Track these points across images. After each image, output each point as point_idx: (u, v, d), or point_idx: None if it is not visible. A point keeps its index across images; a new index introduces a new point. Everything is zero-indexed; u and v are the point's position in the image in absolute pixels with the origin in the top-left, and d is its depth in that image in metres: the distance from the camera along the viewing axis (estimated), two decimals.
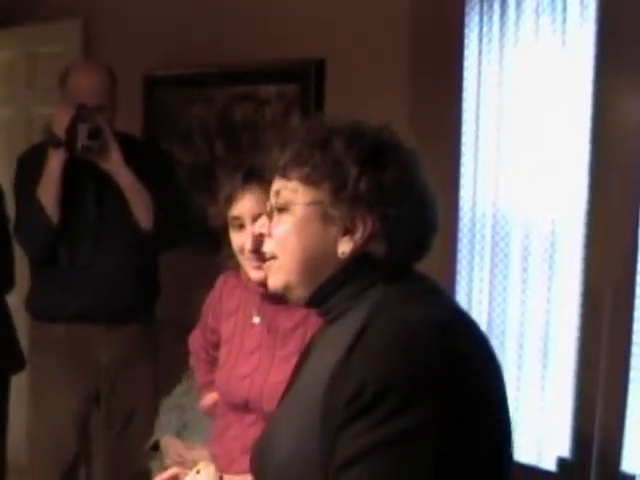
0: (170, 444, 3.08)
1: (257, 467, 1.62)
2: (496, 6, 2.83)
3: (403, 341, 1.37)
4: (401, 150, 1.54)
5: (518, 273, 2.85)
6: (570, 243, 2.75)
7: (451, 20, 2.93)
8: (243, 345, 2.33)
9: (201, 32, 3.82)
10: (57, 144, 3.12)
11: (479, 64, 2.91)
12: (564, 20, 2.70)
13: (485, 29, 2.88)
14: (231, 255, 2.32)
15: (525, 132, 2.82)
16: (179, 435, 3.11)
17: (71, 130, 3.09)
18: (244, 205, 2.23)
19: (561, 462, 2.78)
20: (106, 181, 3.23)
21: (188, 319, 3.81)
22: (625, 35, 2.59)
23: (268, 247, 1.60)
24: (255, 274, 2.24)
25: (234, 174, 2.28)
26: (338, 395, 1.38)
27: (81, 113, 3.11)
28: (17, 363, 3.58)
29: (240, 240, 2.26)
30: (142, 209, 3.22)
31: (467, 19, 2.90)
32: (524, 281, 2.84)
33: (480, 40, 2.90)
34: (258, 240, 2.17)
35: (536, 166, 2.79)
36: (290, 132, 1.59)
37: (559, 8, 2.70)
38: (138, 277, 3.40)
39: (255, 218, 2.19)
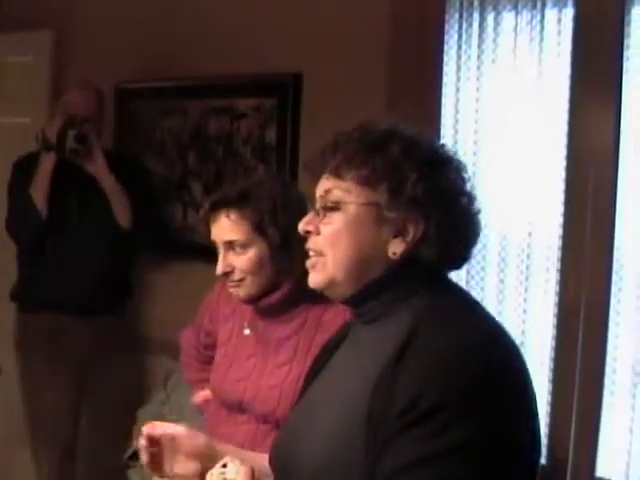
0: None
1: (282, 466, 1.62)
2: (475, 25, 2.92)
3: (459, 354, 1.41)
4: (454, 159, 1.59)
5: (494, 284, 2.92)
6: (546, 255, 2.83)
7: (429, 37, 3.00)
8: (238, 351, 2.41)
9: (175, 45, 3.85)
10: (49, 148, 3.55)
11: (457, 80, 2.99)
12: (541, 39, 2.79)
13: (464, 47, 2.96)
14: None
15: (502, 147, 2.90)
16: None
17: (61, 135, 3.52)
18: (215, 232, 2.33)
19: None
20: (90, 185, 3.62)
21: (169, 334, 3.89)
22: (599, 55, 2.68)
23: (315, 244, 1.59)
24: (234, 294, 2.35)
25: (206, 201, 2.37)
26: (390, 403, 1.40)
27: (70, 121, 3.55)
28: None
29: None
30: (122, 209, 3.62)
31: (446, 36, 2.97)
32: (500, 292, 2.92)
33: (459, 57, 2.97)
34: (226, 265, 2.30)
35: (513, 179, 2.87)
36: (342, 134, 1.60)
37: (537, 27, 2.79)
38: (113, 273, 3.79)
39: (225, 245, 2.30)
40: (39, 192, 3.55)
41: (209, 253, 3.61)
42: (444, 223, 1.52)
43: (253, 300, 2.33)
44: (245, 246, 2.28)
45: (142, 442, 1.67)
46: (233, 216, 2.27)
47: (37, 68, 4.21)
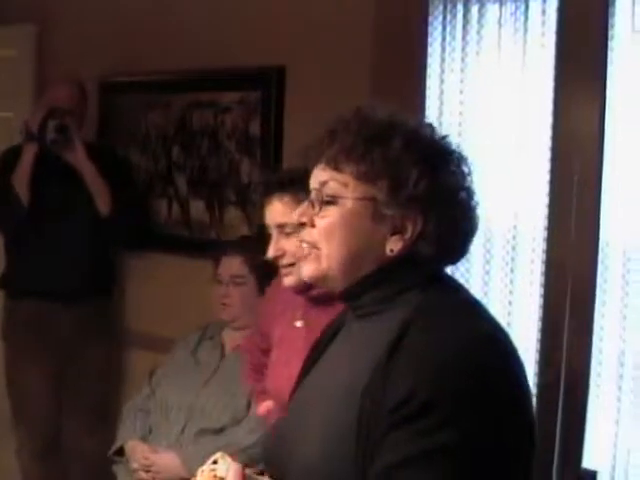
0: (136, 448, 3.09)
1: (277, 461, 1.59)
2: (459, 16, 2.91)
3: (453, 352, 1.37)
4: (455, 152, 1.54)
5: (480, 276, 2.92)
6: (531, 246, 2.82)
7: (414, 29, 2.99)
8: (292, 346, 2.37)
9: (158, 39, 3.83)
10: (31, 138, 3.67)
11: (441, 72, 2.98)
12: (526, 30, 2.79)
13: (448, 38, 2.95)
14: None
15: (486, 138, 2.89)
16: (144, 439, 3.12)
17: (42, 126, 3.64)
18: (268, 215, 2.33)
19: None
20: (72, 176, 3.72)
21: (154, 328, 3.89)
22: (584, 46, 2.68)
23: (310, 236, 1.56)
24: (285, 280, 2.33)
25: (256, 186, 2.36)
26: (381, 400, 1.37)
27: (51, 112, 3.66)
28: None
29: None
30: (101, 198, 3.72)
31: (430, 28, 2.97)
32: (486, 283, 2.91)
33: (443, 49, 2.97)
34: (277, 249, 2.29)
35: (497, 170, 2.86)
36: (340, 123, 1.54)
37: (522, 19, 2.78)
38: (95, 261, 3.87)
39: (277, 228, 2.30)
40: (21, 181, 3.66)
41: (195, 248, 3.69)
42: (443, 220, 1.49)
43: (304, 289, 2.30)
44: (297, 229, 2.26)
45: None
46: (286, 199, 2.28)
47: (20, 62, 4.19)
